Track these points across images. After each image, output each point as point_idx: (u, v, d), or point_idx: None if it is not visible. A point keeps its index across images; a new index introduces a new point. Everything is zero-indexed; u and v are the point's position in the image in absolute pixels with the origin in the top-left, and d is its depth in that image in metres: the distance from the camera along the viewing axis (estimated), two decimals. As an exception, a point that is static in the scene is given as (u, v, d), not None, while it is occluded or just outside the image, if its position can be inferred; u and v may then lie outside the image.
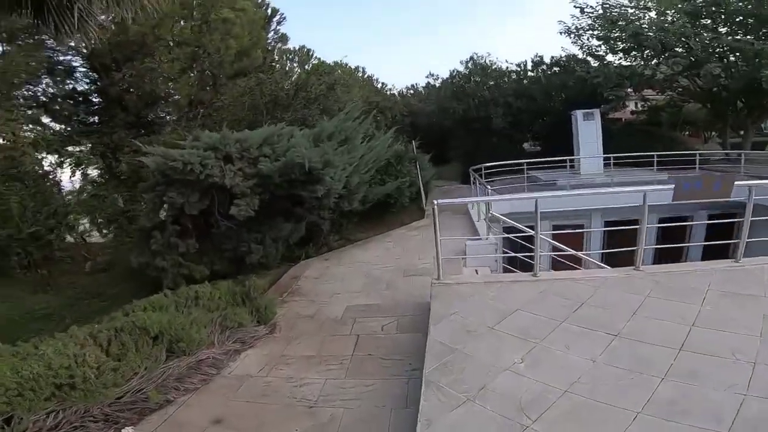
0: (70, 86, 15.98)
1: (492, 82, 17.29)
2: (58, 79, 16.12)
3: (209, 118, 13.70)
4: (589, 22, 16.92)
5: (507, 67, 18.15)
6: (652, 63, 16.15)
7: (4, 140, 12.33)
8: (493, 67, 17.77)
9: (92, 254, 11.85)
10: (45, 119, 15.47)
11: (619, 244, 5.71)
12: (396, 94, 21.92)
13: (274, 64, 17.08)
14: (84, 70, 15.82)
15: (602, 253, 8.23)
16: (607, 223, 11.22)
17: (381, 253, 8.97)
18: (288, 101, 10.87)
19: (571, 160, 15.56)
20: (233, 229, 7.69)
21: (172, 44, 15.00)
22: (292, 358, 4.71)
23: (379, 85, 23.08)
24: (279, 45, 17.72)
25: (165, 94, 15.30)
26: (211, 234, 7.90)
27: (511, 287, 4.67)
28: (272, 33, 17.95)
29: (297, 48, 19.75)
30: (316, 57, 17.86)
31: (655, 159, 13.96)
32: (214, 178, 7.18)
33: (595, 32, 16.62)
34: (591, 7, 16.65)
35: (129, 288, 8.20)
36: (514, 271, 5.84)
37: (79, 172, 13.25)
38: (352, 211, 9.88)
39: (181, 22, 15.49)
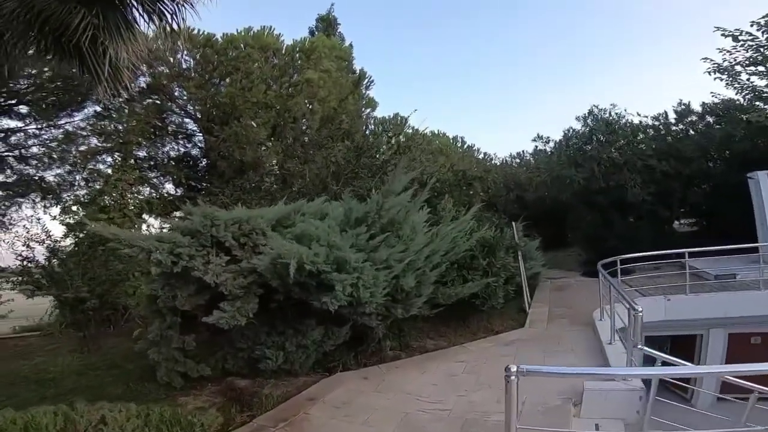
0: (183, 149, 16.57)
1: (622, 141, 13.48)
2: (180, 140, 16.83)
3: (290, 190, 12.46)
4: (748, 54, 12.54)
5: (641, 121, 14.24)
6: None
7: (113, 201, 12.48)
8: (622, 122, 14.00)
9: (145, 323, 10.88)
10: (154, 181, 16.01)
11: None
12: (497, 163, 19.06)
13: (364, 130, 15.77)
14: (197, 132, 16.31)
15: None
16: None
17: (442, 379, 5.88)
18: (348, 167, 8.82)
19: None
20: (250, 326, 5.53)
21: (258, 108, 14.60)
22: None
23: (481, 155, 20.56)
24: (368, 111, 16.62)
25: (253, 161, 14.67)
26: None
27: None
28: (363, 101, 16.97)
29: (391, 116, 18.48)
30: (410, 126, 16.17)
31: None
32: (196, 272, 5.07)
33: (759, 67, 12.13)
34: (748, 33, 12.34)
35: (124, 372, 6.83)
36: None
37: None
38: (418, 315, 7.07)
39: (272, 86, 15.18)
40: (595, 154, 13.31)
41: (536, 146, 17.56)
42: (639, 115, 14.62)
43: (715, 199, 13.66)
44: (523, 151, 21.21)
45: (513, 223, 9.82)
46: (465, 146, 21.45)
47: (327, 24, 20.48)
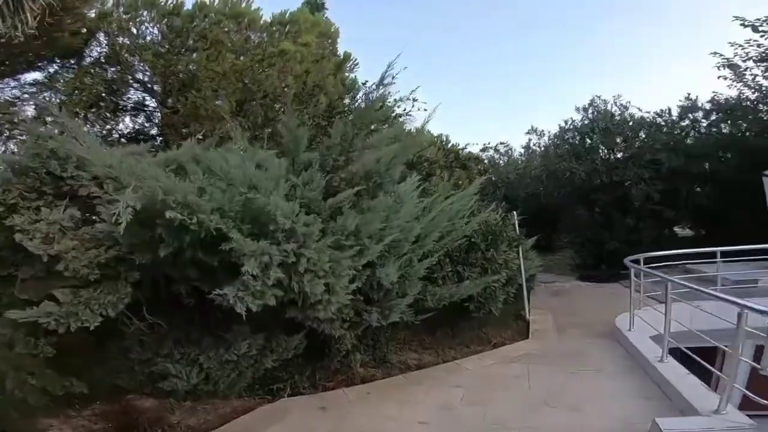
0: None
1: (629, 133, 12.13)
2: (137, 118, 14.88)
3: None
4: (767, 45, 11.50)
5: (643, 117, 12.92)
6: None
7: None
8: (626, 114, 12.67)
9: None
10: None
11: None
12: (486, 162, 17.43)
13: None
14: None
15: None
16: None
17: (434, 415, 4.15)
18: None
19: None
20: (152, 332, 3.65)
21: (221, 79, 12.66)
22: None
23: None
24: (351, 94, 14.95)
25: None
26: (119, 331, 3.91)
27: None
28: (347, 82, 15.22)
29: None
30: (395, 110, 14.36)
31: None
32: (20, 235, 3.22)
33: None
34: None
35: None
36: None
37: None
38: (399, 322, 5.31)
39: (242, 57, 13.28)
40: (597, 146, 11.90)
41: (529, 140, 16.14)
42: (641, 110, 13.36)
43: (722, 201, 12.47)
44: (510, 149, 19.80)
45: (513, 212, 8.21)
46: (450, 144, 19.88)
47: (313, 7, 18.87)
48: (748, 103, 12.38)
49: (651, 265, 7.85)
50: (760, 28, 11.61)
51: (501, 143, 18.91)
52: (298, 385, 4.77)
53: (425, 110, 7.40)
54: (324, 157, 4.30)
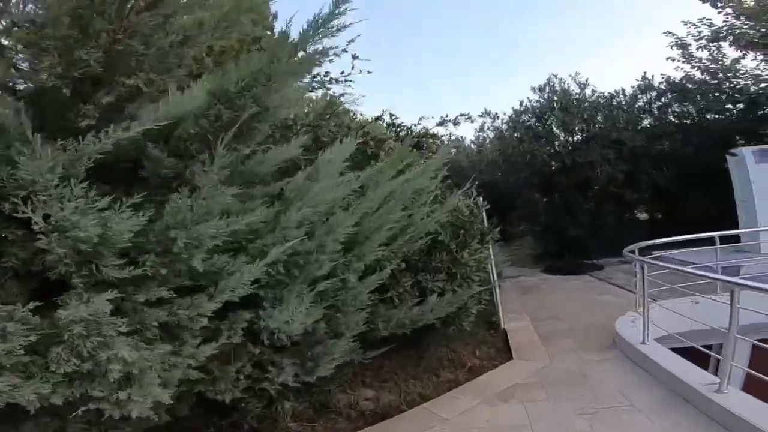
0: None
1: (590, 113, 11.15)
2: None
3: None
4: (732, 22, 10.98)
5: (600, 95, 12.05)
6: None
7: None
8: (586, 92, 11.71)
9: None
10: None
11: None
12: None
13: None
14: None
15: None
16: None
17: None
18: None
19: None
20: None
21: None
22: None
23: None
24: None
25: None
26: None
27: None
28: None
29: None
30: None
31: None
32: None
33: (749, 29, 10.53)
34: (737, -1, 10.77)
35: None
36: None
37: None
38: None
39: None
40: (557, 127, 10.81)
41: (483, 124, 14.86)
42: (594, 92, 12.48)
43: (681, 183, 11.91)
44: (461, 137, 18.54)
45: (480, 198, 6.70)
46: (398, 120, 18.18)
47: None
48: (703, 84, 11.89)
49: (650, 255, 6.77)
50: (719, 4, 11.06)
51: (461, 115, 17.45)
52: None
53: (369, 72, 5.67)
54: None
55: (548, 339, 5.76)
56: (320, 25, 2.57)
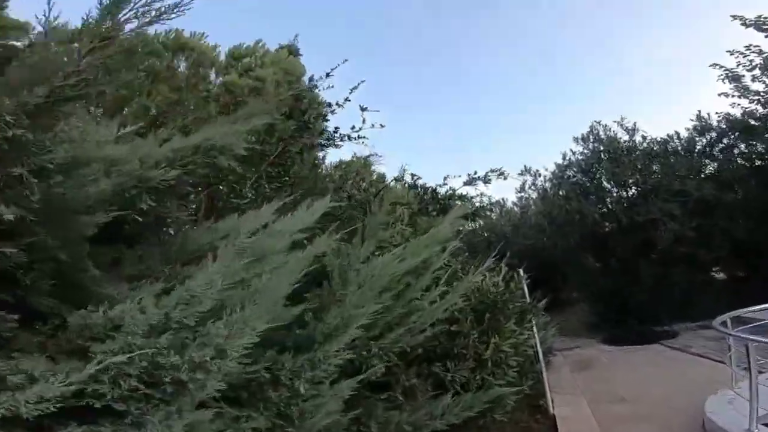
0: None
1: (644, 162, 10.13)
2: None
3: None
4: None
5: (651, 143, 10.95)
6: None
7: None
8: (636, 139, 10.72)
9: None
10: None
11: None
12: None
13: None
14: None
15: None
16: None
17: None
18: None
19: None
20: None
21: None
22: None
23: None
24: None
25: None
26: None
27: None
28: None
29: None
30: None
31: None
32: None
33: None
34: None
35: None
36: None
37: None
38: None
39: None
40: (606, 181, 9.86)
41: (523, 183, 14.00)
42: (645, 138, 11.46)
43: (764, 234, 10.25)
44: (503, 199, 17.64)
45: (519, 270, 5.88)
46: (418, 180, 17.09)
47: (289, 53, 17.54)
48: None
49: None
50: (764, 27, 10.01)
51: (492, 171, 16.58)
52: None
53: (381, 126, 5.31)
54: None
55: (612, 428, 4.60)
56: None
